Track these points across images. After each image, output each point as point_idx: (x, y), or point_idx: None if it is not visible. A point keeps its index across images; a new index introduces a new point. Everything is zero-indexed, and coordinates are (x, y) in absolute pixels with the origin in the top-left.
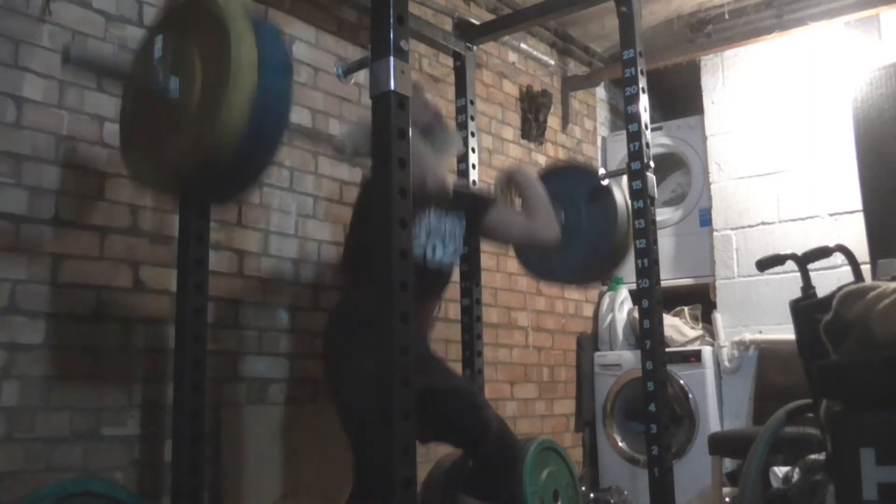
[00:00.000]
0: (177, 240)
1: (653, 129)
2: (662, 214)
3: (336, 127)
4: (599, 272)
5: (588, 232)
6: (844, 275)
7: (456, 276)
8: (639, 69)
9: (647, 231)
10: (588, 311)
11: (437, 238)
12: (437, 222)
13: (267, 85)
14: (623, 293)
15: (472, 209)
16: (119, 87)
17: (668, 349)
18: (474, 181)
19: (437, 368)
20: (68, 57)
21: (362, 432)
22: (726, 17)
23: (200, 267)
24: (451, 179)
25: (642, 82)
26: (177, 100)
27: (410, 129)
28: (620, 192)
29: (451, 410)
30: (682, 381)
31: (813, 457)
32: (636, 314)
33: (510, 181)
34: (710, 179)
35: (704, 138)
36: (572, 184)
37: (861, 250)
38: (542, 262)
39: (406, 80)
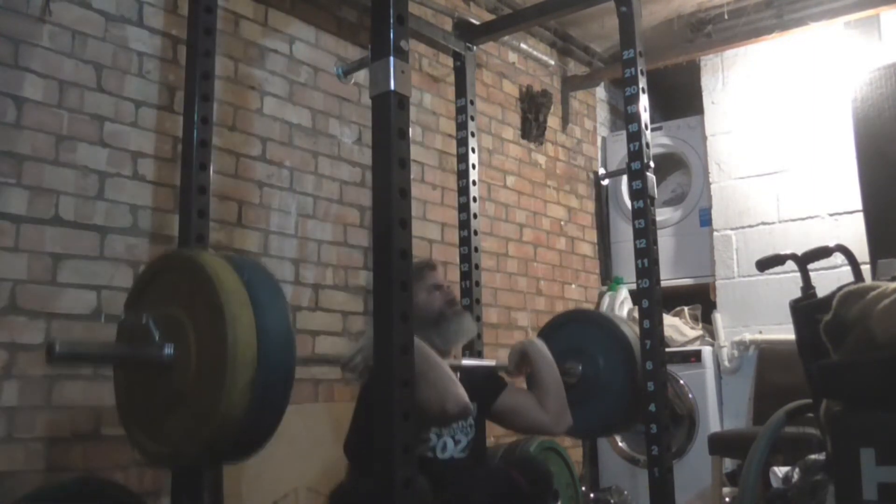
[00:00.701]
0: (177, 240)
1: (653, 129)
2: (662, 214)
3: (336, 127)
4: (624, 420)
5: (608, 382)
6: (844, 275)
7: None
8: (639, 69)
9: (647, 231)
10: None
11: (448, 436)
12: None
13: (268, 359)
14: (623, 293)
15: (482, 393)
16: (109, 369)
17: (668, 349)
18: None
19: None
20: (53, 354)
21: None
22: (726, 17)
23: None
24: (462, 362)
25: (642, 82)
26: (172, 371)
27: (418, 338)
28: (632, 332)
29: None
30: (682, 381)
31: (813, 457)
32: (636, 314)
33: (523, 357)
34: (710, 179)
35: (704, 138)
36: (583, 332)
37: (861, 250)
38: None
39: (406, 80)
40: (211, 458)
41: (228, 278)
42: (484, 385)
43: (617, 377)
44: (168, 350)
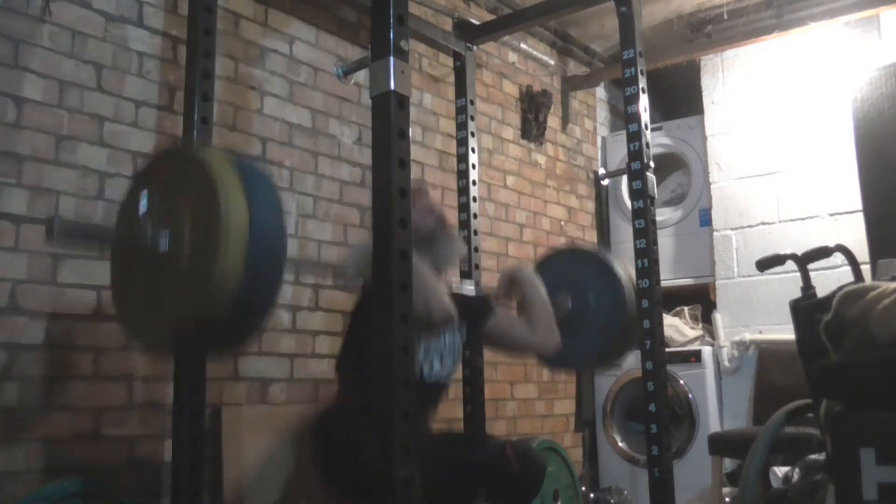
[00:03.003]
0: None
1: (653, 129)
2: (662, 214)
3: (336, 127)
4: (612, 355)
5: (597, 316)
6: (844, 275)
7: (455, 275)
8: (639, 69)
9: (647, 231)
10: None
11: (435, 354)
12: (437, 339)
13: (259, 241)
14: None
15: (472, 316)
16: (107, 252)
17: (668, 349)
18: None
19: (433, 439)
20: (52, 231)
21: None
22: (726, 17)
23: None
24: (452, 285)
25: (642, 82)
26: (167, 255)
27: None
28: (624, 271)
29: (461, 457)
30: (682, 381)
31: (813, 457)
32: None
33: (512, 282)
34: (710, 179)
35: (704, 138)
36: (575, 267)
37: (861, 250)
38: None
39: (406, 80)
40: (206, 339)
41: (222, 162)
42: (475, 308)
43: (606, 313)
44: (164, 242)
